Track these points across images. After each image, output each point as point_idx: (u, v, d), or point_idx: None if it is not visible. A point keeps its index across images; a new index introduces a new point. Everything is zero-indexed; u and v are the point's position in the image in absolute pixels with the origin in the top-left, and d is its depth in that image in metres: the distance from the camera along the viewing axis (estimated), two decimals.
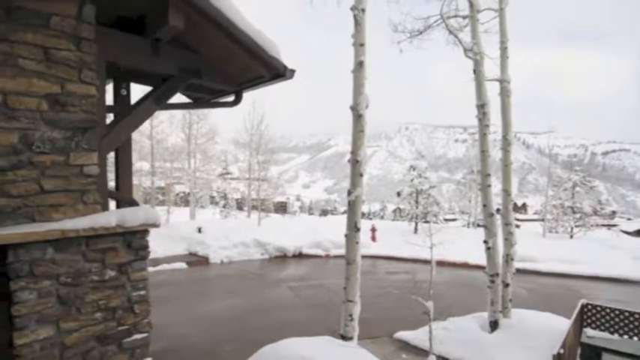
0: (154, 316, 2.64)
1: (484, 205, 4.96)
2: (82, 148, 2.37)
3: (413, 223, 17.26)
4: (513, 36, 5.35)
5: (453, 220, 28.53)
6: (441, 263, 10.92)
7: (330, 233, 14.00)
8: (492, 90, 5.17)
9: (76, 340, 2.28)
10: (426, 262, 11.47)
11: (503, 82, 5.30)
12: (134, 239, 2.50)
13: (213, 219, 21.42)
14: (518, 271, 6.10)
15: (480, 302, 6.34)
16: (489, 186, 4.96)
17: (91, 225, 2.27)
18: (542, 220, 19.69)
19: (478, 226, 20.86)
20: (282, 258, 12.77)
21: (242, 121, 21.72)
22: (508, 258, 5.16)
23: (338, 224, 17.19)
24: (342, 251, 12.56)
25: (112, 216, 2.36)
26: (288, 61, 3.24)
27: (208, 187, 24.94)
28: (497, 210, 5.28)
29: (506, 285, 5.12)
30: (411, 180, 17.63)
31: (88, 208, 2.40)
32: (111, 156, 3.38)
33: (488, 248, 4.94)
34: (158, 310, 2.65)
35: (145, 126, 17.26)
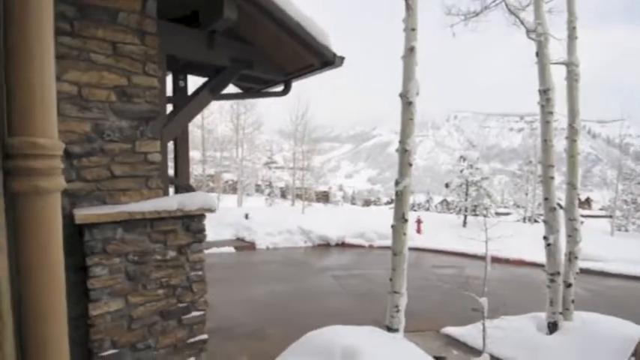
0: (207, 296, 2.80)
1: (545, 199, 4.61)
2: (146, 137, 2.54)
3: (462, 216, 16.56)
4: (583, 15, 4.84)
5: (506, 214, 26.94)
6: (493, 259, 10.43)
7: (374, 224, 13.88)
8: (557, 74, 4.75)
9: (142, 314, 2.48)
10: (475, 257, 10.99)
11: (570, 65, 4.83)
12: (192, 223, 2.65)
13: (259, 206, 22.17)
14: (582, 271, 5.64)
15: (537, 302, 5.97)
16: (552, 178, 4.59)
17: (154, 208, 2.44)
18: (610, 216, 17.94)
19: (535, 221, 19.53)
20: (325, 246, 12.91)
21: (287, 111, 22.08)
22: (571, 256, 4.78)
23: (381, 215, 16.99)
24: (386, 242, 12.40)
25: (172, 200, 2.52)
26: (335, 47, 3.20)
27: (254, 176, 25.79)
28: (558, 205, 4.88)
29: (569, 285, 4.76)
30: (461, 171, 16.87)
31: (152, 193, 2.58)
32: (169, 145, 3.59)
33: (548, 245, 4.61)
34: (209, 291, 2.80)
35: (197, 117, 18.12)
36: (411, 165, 3.65)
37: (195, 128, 19.95)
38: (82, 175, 2.36)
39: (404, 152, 3.66)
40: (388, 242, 12.56)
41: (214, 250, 10.90)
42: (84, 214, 2.21)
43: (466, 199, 16.82)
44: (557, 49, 4.85)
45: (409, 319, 4.36)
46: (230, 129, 22.44)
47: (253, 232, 12.76)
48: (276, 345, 4.04)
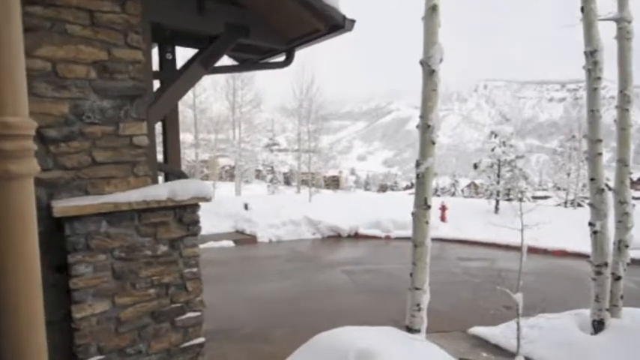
0: (203, 295, 2.85)
1: (591, 179, 4.54)
2: (131, 118, 2.55)
3: (493, 201, 16.45)
4: None
5: (544, 197, 26.70)
6: (529, 250, 10.39)
7: (391, 212, 13.90)
8: (606, 33, 4.59)
9: (131, 316, 2.54)
10: (509, 247, 10.97)
11: (621, 21, 4.66)
12: (185, 213, 2.68)
13: (259, 194, 22.32)
14: (633, 261, 5.59)
15: (580, 297, 5.96)
16: (600, 154, 4.51)
17: (142, 198, 2.46)
18: None
19: (578, 205, 19.32)
20: (335, 238, 13.01)
21: (290, 85, 21.90)
22: (621, 245, 4.73)
23: (400, 201, 16.98)
24: (404, 232, 12.43)
25: (162, 189, 2.54)
26: (344, 8, 3.14)
27: (254, 160, 25.86)
28: (607, 186, 4.80)
29: (617, 278, 4.73)
30: (492, 149, 16.67)
31: (139, 181, 2.60)
32: (157, 127, 3.61)
33: (594, 232, 4.56)
34: (207, 289, 2.86)
35: (188, 95, 18.14)
36: (434, 143, 3.62)
37: (186, 108, 19.98)
38: (61, 163, 2.38)
39: (426, 129, 3.61)
40: (408, 232, 12.61)
41: (211, 244, 11.07)
42: (63, 205, 2.25)
43: (498, 182, 16.67)
44: (606, 3, 4.69)
45: (432, 319, 4.40)
46: (226, 107, 22.44)
47: (254, 224, 12.89)
48: (283, 348, 4.13)
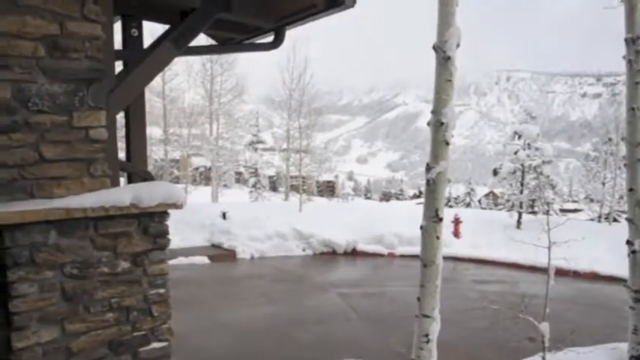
0: (172, 322, 2.82)
1: (630, 190, 4.58)
2: (87, 106, 2.52)
3: (515, 214, 16.56)
4: None
5: (575, 210, 26.99)
6: (557, 272, 10.44)
7: (395, 224, 13.92)
8: None
9: (85, 345, 2.49)
10: (533, 268, 11.03)
11: None
12: (151, 223, 2.65)
13: (240, 202, 22.23)
14: None
15: (615, 329, 5.99)
16: None
17: (100, 203, 2.43)
18: None
19: (614, 220, 19.53)
20: (330, 255, 12.98)
21: (278, 72, 21.94)
22: None
23: (406, 213, 16.99)
24: (411, 249, 12.45)
25: (124, 192, 2.51)
26: None
27: (234, 161, 25.82)
28: None
29: None
30: (515, 152, 16.79)
31: (96, 182, 2.57)
32: (119, 117, 3.57)
33: (633, 252, 4.59)
34: (176, 315, 2.83)
35: (156, 80, 18.07)
36: (448, 144, 3.61)
37: (153, 96, 19.91)
38: (1, 159, 2.34)
39: (438, 126, 3.61)
40: (415, 249, 12.60)
41: (181, 260, 10.99)
42: (3, 211, 2.21)
43: (521, 191, 16.78)
44: None
45: (443, 352, 4.39)
46: (201, 97, 22.40)
47: (233, 237, 12.84)
48: None
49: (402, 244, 13.26)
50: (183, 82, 21.64)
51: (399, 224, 13.85)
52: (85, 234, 2.47)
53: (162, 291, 2.73)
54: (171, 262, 10.61)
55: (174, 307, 2.85)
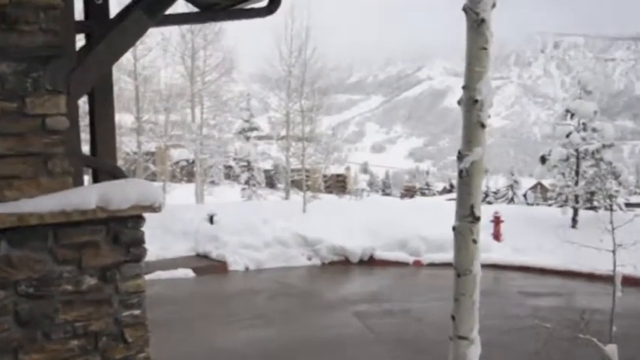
0: (150, 350, 2.83)
1: None
2: (42, 90, 2.52)
3: (569, 210, 16.47)
4: None
5: None
6: (625, 280, 10.37)
7: (421, 226, 13.88)
8: None
9: None
10: (592, 277, 10.96)
11: None
12: (123, 229, 2.65)
13: (231, 202, 22.28)
14: None
15: None
16: None
17: (60, 207, 2.44)
18: None
19: None
20: (342, 265, 12.99)
21: (274, 43, 21.88)
22: None
23: (434, 211, 16.90)
24: (441, 256, 12.42)
25: (90, 194, 2.52)
26: None
27: (223, 152, 25.87)
28: None
29: None
30: (567, 135, 16.68)
31: (55, 182, 2.57)
32: (81, 103, 3.58)
33: None
34: (154, 341, 2.84)
35: (127, 57, 18.09)
36: (484, 126, 3.59)
37: (123, 76, 19.97)
38: None
39: (472, 105, 3.58)
40: (447, 256, 12.54)
41: (160, 274, 11.03)
42: None
43: (576, 182, 16.68)
44: None
45: None
46: (181, 75, 22.41)
47: (223, 245, 12.87)
48: None
49: (430, 250, 13.22)
50: (158, 59, 21.69)
51: (426, 226, 13.80)
52: (43, 245, 2.48)
53: (137, 312, 2.73)
54: (148, 276, 10.64)
55: (152, 332, 2.86)
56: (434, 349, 6.10)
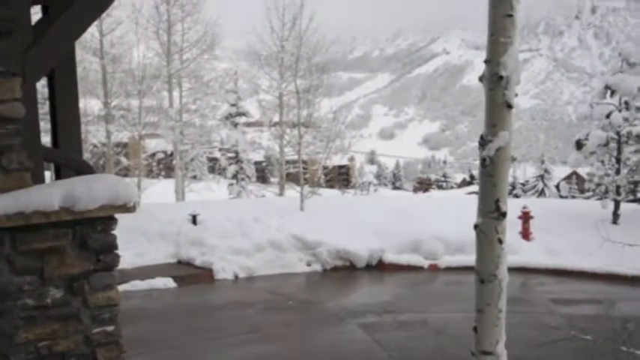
0: None
1: None
2: None
3: (610, 203, 16.49)
4: None
5: None
6: None
7: (438, 224, 13.89)
8: None
9: None
10: (637, 280, 10.98)
11: None
12: (91, 233, 2.65)
13: (217, 200, 22.28)
14: None
15: None
16: None
17: (18, 208, 2.44)
18: None
19: None
20: (346, 271, 13.00)
21: (264, 13, 21.81)
22: None
23: (453, 207, 16.86)
24: (461, 259, 12.44)
25: (52, 192, 2.52)
26: None
27: (206, 142, 25.83)
28: None
29: None
30: (607, 115, 16.65)
31: (11, 179, 2.57)
32: (39, 86, 3.57)
33: None
34: None
35: (91, 32, 18.05)
36: (510, 107, 3.58)
37: (87, 55, 19.91)
38: None
39: (496, 82, 3.57)
40: (467, 259, 12.51)
41: (136, 284, 11.05)
42: None
43: (617, 171, 16.66)
44: None
45: None
46: (156, 53, 22.34)
47: (208, 250, 12.86)
48: None
49: (449, 251, 13.23)
50: (129, 34, 21.57)
51: (443, 224, 13.80)
52: None
53: (110, 329, 2.74)
54: (122, 287, 10.63)
55: (128, 352, 2.86)
56: None
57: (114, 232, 2.76)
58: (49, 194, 2.52)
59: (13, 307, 2.52)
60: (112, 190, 2.64)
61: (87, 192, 2.57)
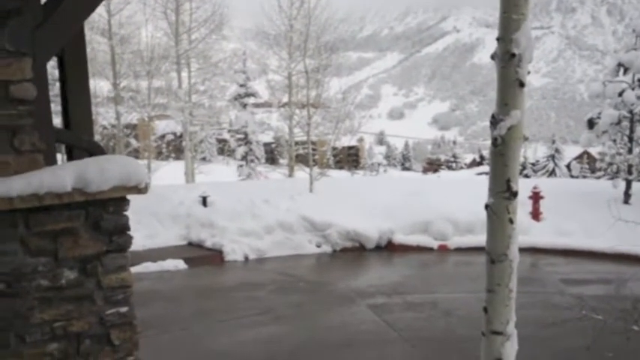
0: (139, 353, 2.86)
1: None
2: (4, 52, 2.52)
3: (621, 183, 16.39)
4: None
5: None
6: None
7: (448, 205, 13.87)
8: None
9: None
10: None
11: None
12: (104, 215, 2.67)
13: (226, 181, 22.32)
14: None
15: None
16: None
17: (31, 189, 2.45)
18: None
19: None
20: (356, 252, 13.04)
21: None
22: None
23: (463, 187, 16.81)
24: (471, 240, 12.45)
25: (64, 174, 2.53)
26: None
27: (216, 123, 25.79)
28: None
29: None
30: (619, 93, 16.49)
31: (23, 161, 2.58)
32: (49, 67, 3.57)
33: None
34: (144, 343, 2.88)
35: (99, 12, 17.99)
36: (522, 85, 3.55)
37: (96, 35, 19.87)
38: None
39: (508, 60, 3.54)
40: (478, 239, 12.49)
41: (148, 266, 11.13)
42: None
43: (630, 150, 16.54)
44: None
45: None
46: (164, 33, 22.26)
47: (219, 231, 12.93)
48: None
49: (459, 232, 13.23)
50: (137, 14, 21.51)
51: (454, 204, 13.78)
52: (13, 233, 2.50)
53: (124, 310, 2.76)
54: (134, 269, 10.70)
55: (141, 333, 2.89)
56: (465, 346, 6.14)
57: (126, 213, 2.77)
58: (62, 176, 2.53)
59: (27, 288, 2.54)
60: (124, 171, 2.64)
61: (99, 173, 2.58)
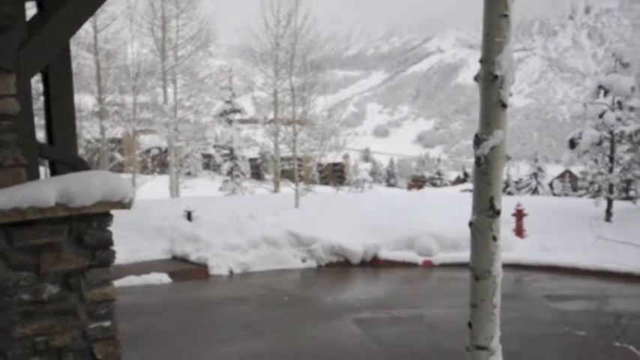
0: None
1: None
2: None
3: (603, 202, 16.55)
4: None
5: None
6: None
7: (433, 222, 13.93)
8: None
9: None
10: (629, 277, 11.03)
11: None
12: (87, 229, 2.65)
13: (211, 196, 22.26)
14: None
15: None
16: None
17: (13, 204, 2.43)
18: None
19: None
20: (341, 267, 13.03)
21: (258, 10, 21.76)
22: None
23: (447, 204, 16.91)
24: (456, 256, 12.49)
25: (47, 188, 2.51)
26: None
27: (201, 139, 25.78)
28: None
29: None
30: (600, 115, 16.72)
31: (6, 175, 2.56)
32: (34, 82, 3.55)
33: None
34: (127, 358, 2.85)
35: (86, 29, 17.96)
36: (504, 106, 3.58)
37: (82, 51, 19.85)
38: None
39: (491, 81, 3.57)
40: (461, 255, 12.54)
41: (132, 280, 11.04)
42: None
43: (611, 169, 16.72)
44: None
45: None
46: (150, 50, 22.29)
47: (203, 246, 12.87)
48: None
49: (443, 248, 13.27)
50: (123, 30, 21.53)
51: (438, 221, 13.85)
52: None
53: (107, 324, 2.74)
54: (118, 283, 10.61)
55: (124, 347, 2.86)
56: None
57: (109, 228, 2.75)
58: (45, 190, 2.51)
59: (9, 303, 2.51)
60: (108, 186, 2.63)
61: (83, 188, 2.56)
